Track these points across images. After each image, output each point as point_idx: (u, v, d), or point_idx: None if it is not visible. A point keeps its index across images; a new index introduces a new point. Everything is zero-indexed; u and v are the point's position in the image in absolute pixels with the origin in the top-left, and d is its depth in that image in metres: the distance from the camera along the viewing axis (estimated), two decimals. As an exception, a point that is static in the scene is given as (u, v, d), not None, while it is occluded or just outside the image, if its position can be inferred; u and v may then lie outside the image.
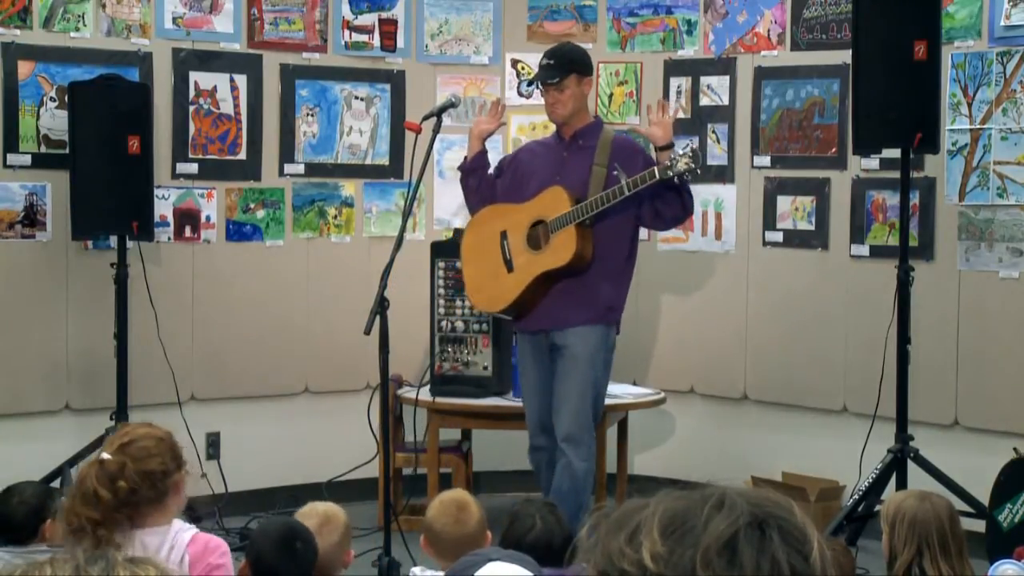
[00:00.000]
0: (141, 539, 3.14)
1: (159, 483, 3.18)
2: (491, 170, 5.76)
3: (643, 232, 6.83)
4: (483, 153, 5.72)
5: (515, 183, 5.65)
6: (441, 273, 6.31)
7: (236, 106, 6.50)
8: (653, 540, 1.19)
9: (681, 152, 5.29)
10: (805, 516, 1.24)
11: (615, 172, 5.32)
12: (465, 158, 5.77)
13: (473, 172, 5.71)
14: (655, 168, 5.29)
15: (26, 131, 6.00)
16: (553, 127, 5.72)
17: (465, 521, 3.79)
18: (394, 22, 6.86)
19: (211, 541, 3.30)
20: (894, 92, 5.46)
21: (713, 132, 6.74)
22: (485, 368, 6.26)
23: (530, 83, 5.76)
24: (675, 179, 5.29)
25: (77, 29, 6.10)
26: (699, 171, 5.37)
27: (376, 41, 6.82)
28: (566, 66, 5.55)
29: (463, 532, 3.73)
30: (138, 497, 3.13)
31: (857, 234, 6.26)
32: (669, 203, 5.45)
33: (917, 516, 3.52)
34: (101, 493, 3.08)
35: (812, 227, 6.43)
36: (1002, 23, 5.77)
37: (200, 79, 6.42)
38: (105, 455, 3.14)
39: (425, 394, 6.21)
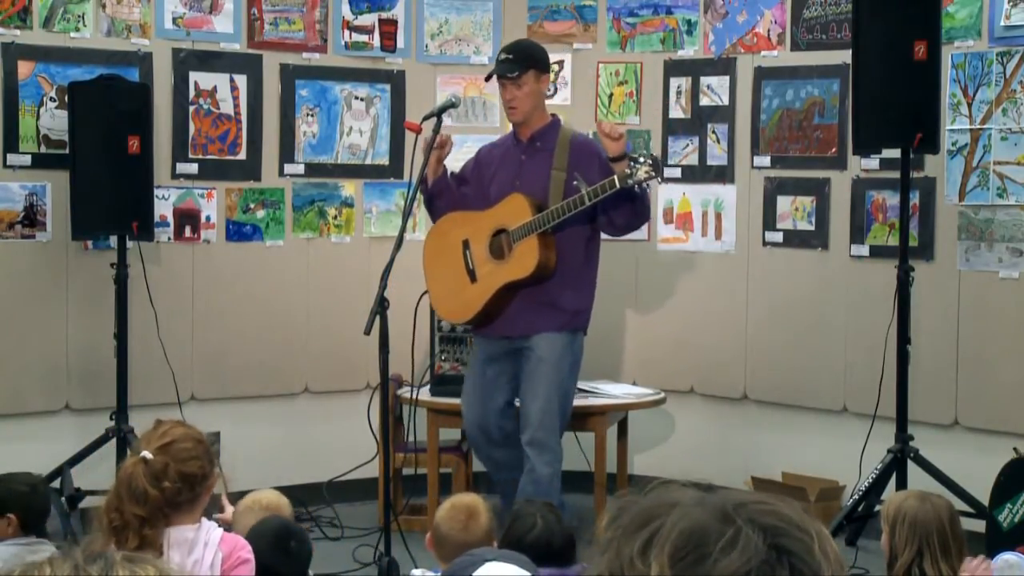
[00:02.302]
0: (178, 535, 3.18)
1: (197, 486, 3.24)
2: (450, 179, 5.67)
3: (643, 232, 6.84)
4: (443, 175, 5.59)
5: (479, 189, 5.59)
6: (441, 273, 6.30)
7: (236, 106, 6.50)
8: (662, 563, 1.18)
9: (641, 160, 5.24)
10: (826, 544, 1.21)
11: (575, 182, 5.25)
12: (424, 181, 5.57)
13: (439, 195, 5.61)
14: (615, 177, 5.21)
15: (26, 131, 6.00)
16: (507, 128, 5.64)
17: (473, 529, 3.79)
18: (394, 22, 6.86)
19: (238, 540, 3.39)
20: (894, 92, 5.46)
21: (713, 132, 6.73)
22: (485, 368, 6.25)
23: (488, 78, 5.67)
24: (635, 188, 5.25)
25: (77, 29, 6.10)
26: (660, 180, 5.33)
27: (376, 41, 6.82)
28: (525, 61, 5.49)
29: (468, 539, 3.73)
30: (180, 498, 3.20)
31: (857, 234, 6.26)
32: (622, 212, 5.39)
33: (918, 517, 3.52)
34: (150, 491, 3.13)
35: (812, 227, 6.43)
36: (1002, 23, 5.77)
37: (200, 79, 6.41)
38: (147, 454, 3.16)
39: (425, 394, 6.20)
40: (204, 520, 3.27)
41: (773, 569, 1.17)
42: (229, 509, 4.03)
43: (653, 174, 5.21)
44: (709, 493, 1.25)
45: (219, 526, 3.37)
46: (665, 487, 1.27)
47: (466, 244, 5.56)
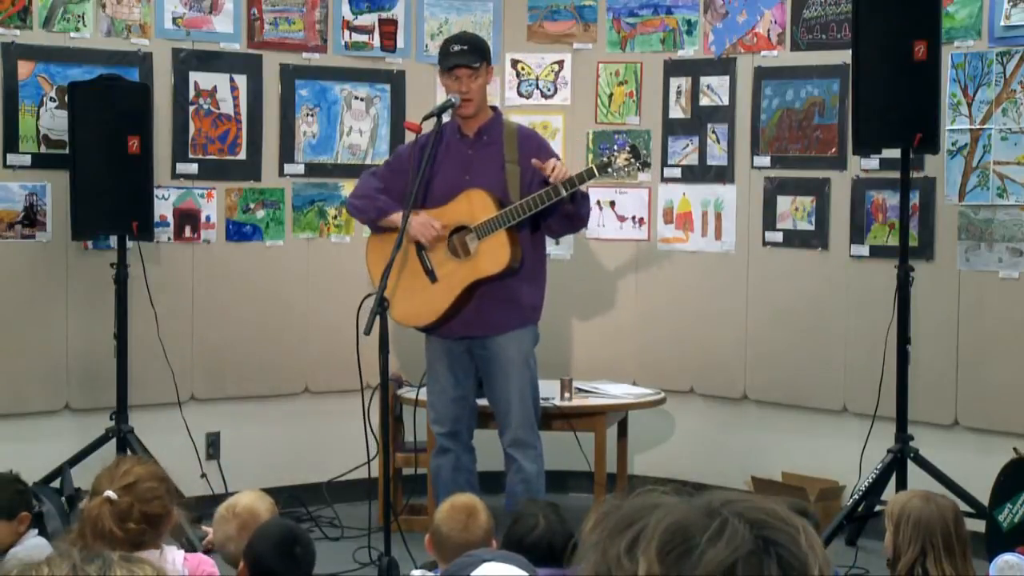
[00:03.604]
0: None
1: (161, 525, 3.31)
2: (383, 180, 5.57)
3: (643, 232, 6.85)
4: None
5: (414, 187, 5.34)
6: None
7: (236, 106, 6.50)
8: (650, 559, 1.18)
9: (617, 148, 5.20)
10: (812, 538, 1.21)
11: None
12: (377, 223, 5.53)
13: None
14: (593, 166, 5.19)
15: (26, 131, 6.00)
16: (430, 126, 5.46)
17: (472, 529, 3.80)
18: (394, 22, 6.85)
19: (200, 556, 3.49)
20: (894, 92, 5.46)
21: (713, 132, 6.73)
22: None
23: (449, 70, 5.42)
24: (615, 175, 5.22)
25: (77, 29, 6.10)
26: (640, 166, 5.26)
27: (376, 41, 6.82)
28: (481, 52, 5.44)
29: (469, 539, 3.73)
30: (144, 538, 3.27)
31: (857, 234, 6.25)
32: (560, 222, 5.36)
33: (922, 516, 3.52)
34: (116, 532, 3.19)
35: (812, 227, 6.42)
36: (1002, 23, 5.77)
37: (200, 79, 6.41)
38: (111, 494, 3.19)
39: (425, 394, 6.19)
40: (163, 545, 3.34)
41: (760, 559, 1.17)
42: (208, 530, 4.01)
43: (632, 160, 5.18)
44: (693, 496, 1.25)
45: (202, 546, 3.44)
46: (648, 492, 1.27)
47: (420, 244, 5.44)
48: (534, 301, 5.49)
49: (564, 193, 5.18)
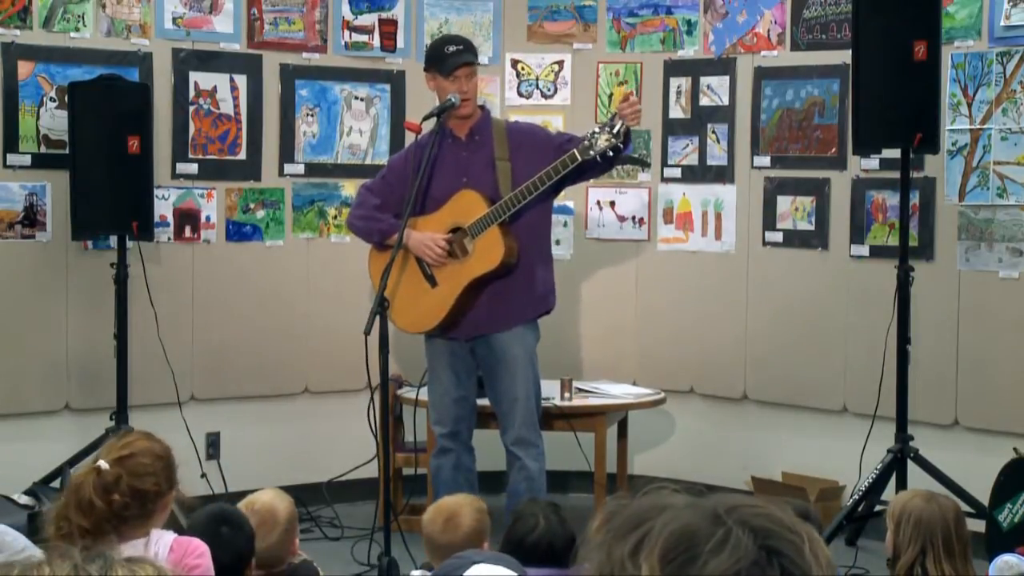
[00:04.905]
0: (127, 551, 3.12)
1: (149, 503, 3.17)
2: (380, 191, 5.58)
3: (643, 232, 6.85)
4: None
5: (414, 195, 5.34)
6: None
7: (236, 106, 6.50)
8: (652, 564, 1.18)
9: (599, 128, 5.18)
10: (816, 547, 1.21)
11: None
12: (384, 237, 5.50)
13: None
14: (575, 151, 5.19)
15: (26, 131, 6.00)
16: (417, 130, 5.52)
17: (451, 531, 3.77)
18: (394, 22, 6.85)
19: (189, 544, 3.29)
20: (894, 92, 5.46)
21: (713, 132, 6.73)
22: (485, 368, 6.24)
23: (453, 71, 5.39)
24: (597, 158, 5.19)
25: (77, 29, 6.10)
26: (621, 145, 5.19)
27: (376, 41, 6.82)
28: (474, 50, 5.49)
29: (450, 540, 3.72)
30: (128, 513, 3.13)
31: (857, 234, 6.26)
32: (595, 175, 5.45)
33: (923, 516, 3.52)
34: (96, 503, 3.07)
35: (812, 227, 6.42)
36: (1002, 23, 5.77)
37: (200, 79, 6.41)
38: (103, 464, 3.13)
39: (425, 393, 6.19)
40: (154, 531, 3.21)
41: (763, 570, 1.18)
42: None
43: (614, 140, 5.15)
44: (701, 497, 1.25)
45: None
46: (657, 491, 1.27)
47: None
48: (547, 285, 5.49)
49: (549, 182, 5.22)
